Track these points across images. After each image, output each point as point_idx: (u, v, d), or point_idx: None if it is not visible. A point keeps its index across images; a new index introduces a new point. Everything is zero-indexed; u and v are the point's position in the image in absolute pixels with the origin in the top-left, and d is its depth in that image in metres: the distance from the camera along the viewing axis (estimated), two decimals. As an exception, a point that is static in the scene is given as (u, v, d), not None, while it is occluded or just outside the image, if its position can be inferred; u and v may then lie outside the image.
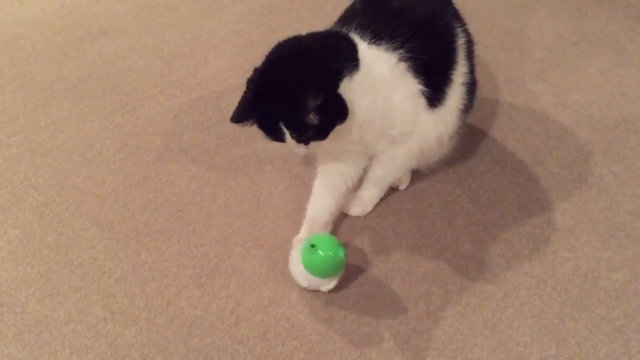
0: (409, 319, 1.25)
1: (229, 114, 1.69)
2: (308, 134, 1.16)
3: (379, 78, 1.17)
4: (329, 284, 1.26)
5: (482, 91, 1.78)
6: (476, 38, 1.97)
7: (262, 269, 1.34)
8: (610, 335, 1.20)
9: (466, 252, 1.36)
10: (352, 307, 1.27)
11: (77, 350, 1.20)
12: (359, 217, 1.44)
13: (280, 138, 1.18)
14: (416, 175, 1.52)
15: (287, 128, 1.15)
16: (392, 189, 1.50)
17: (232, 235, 1.41)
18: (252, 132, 1.63)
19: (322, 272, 1.23)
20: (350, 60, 1.14)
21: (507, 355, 1.18)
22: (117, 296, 1.29)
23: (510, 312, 1.25)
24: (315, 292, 1.28)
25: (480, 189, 1.50)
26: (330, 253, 1.20)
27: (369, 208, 1.45)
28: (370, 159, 1.37)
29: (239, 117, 1.18)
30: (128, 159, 1.59)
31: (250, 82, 1.17)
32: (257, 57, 1.89)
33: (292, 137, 1.16)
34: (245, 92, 1.17)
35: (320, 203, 1.38)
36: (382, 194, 1.45)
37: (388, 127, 1.23)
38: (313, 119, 1.12)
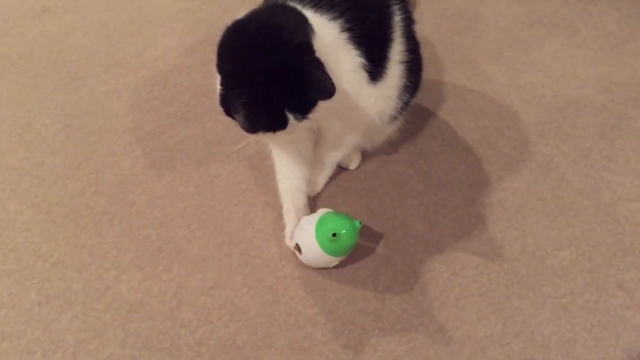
0: (356, 299, 1.22)
1: (177, 94, 1.67)
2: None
3: (328, 45, 1.13)
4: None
5: (436, 72, 1.77)
6: (431, 19, 1.97)
7: (207, 251, 1.30)
8: (555, 312, 1.20)
9: (416, 232, 1.35)
10: (298, 288, 1.24)
11: (9, 336, 1.15)
12: (309, 197, 1.41)
13: (282, 126, 1.11)
14: (367, 155, 1.50)
15: (297, 110, 1.10)
16: (342, 169, 1.47)
17: (176, 217, 1.36)
18: (200, 112, 1.60)
19: (348, 250, 1.23)
20: (307, 26, 1.10)
21: (453, 334, 1.17)
22: (52, 280, 1.24)
23: (458, 291, 1.24)
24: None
25: (431, 169, 1.49)
26: (352, 239, 1.20)
27: (318, 188, 1.42)
28: (317, 136, 1.35)
29: (256, 124, 1.10)
30: (69, 139, 1.52)
31: (236, 83, 1.07)
32: (207, 36, 1.86)
33: (296, 118, 1.10)
34: (241, 96, 1.06)
35: (294, 189, 1.34)
36: (330, 173, 1.42)
37: (334, 98, 1.20)
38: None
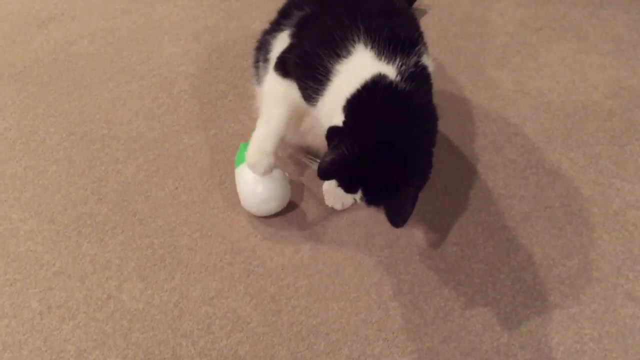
0: (360, 309, 1.21)
1: (181, 101, 1.67)
2: None
3: None
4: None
5: (442, 77, 1.75)
6: (437, 25, 1.95)
7: (209, 259, 1.29)
8: (562, 323, 1.18)
9: (420, 241, 1.33)
10: (301, 298, 1.22)
11: (10, 346, 1.14)
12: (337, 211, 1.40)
13: (350, 191, 1.12)
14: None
15: (367, 197, 1.11)
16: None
17: (179, 226, 1.36)
18: (204, 119, 1.60)
19: None
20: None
21: (458, 345, 1.15)
22: (54, 290, 1.23)
23: (463, 301, 1.22)
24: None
25: (435, 176, 1.45)
26: None
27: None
28: None
29: (330, 173, 1.09)
30: (73, 147, 1.52)
31: (357, 139, 1.05)
32: (212, 43, 1.85)
33: (362, 199, 1.12)
34: (345, 152, 1.04)
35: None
36: None
37: None
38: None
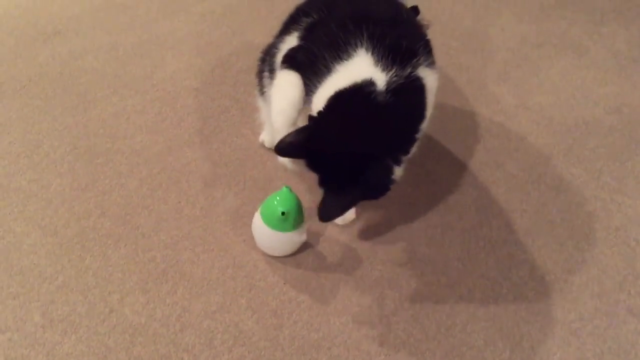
0: (361, 324, 1.21)
1: (185, 115, 1.68)
2: None
3: None
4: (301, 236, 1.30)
5: (443, 92, 1.76)
6: (440, 40, 1.96)
7: (211, 274, 1.29)
8: (565, 338, 1.18)
9: (422, 255, 1.33)
10: (303, 312, 1.22)
11: (13, 360, 1.15)
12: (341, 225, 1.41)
13: (312, 169, 1.17)
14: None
15: (323, 184, 1.15)
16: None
17: (181, 240, 1.36)
18: (207, 134, 1.61)
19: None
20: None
21: (460, 361, 1.15)
22: (57, 303, 1.24)
23: (465, 316, 1.22)
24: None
25: (438, 191, 1.47)
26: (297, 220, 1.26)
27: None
28: None
29: (283, 153, 1.15)
30: (77, 161, 1.53)
31: (320, 130, 1.12)
32: (215, 58, 1.87)
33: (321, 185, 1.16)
34: (302, 139, 1.12)
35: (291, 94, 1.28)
36: None
37: None
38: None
